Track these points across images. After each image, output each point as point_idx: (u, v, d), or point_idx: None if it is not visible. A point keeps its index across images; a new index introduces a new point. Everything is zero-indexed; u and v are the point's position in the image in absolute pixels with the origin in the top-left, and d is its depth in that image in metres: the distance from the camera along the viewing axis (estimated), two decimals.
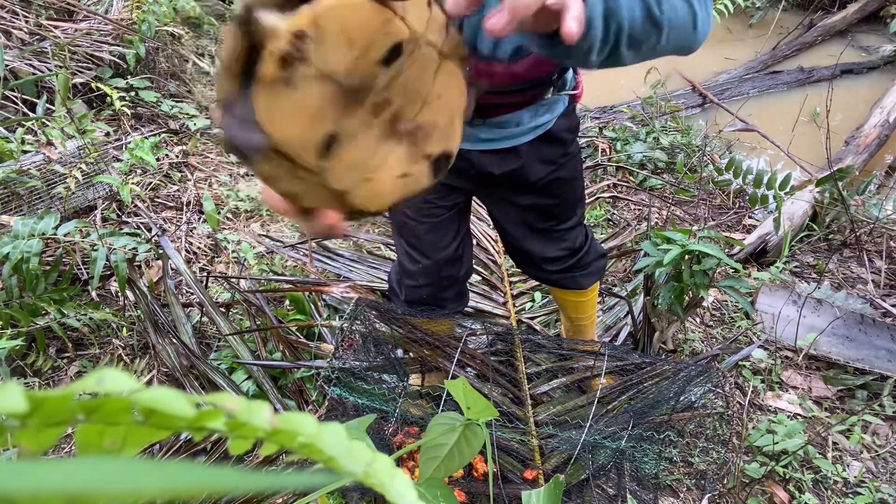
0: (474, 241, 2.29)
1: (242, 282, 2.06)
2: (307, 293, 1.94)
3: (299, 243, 2.30)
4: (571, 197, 1.34)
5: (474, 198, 1.49)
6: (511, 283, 2.21)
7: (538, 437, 1.53)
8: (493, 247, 2.35)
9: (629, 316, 1.94)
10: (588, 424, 1.45)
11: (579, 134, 1.30)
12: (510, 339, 1.77)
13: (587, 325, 1.76)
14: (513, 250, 1.45)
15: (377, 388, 1.50)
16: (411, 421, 1.48)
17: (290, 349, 1.77)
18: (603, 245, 2.39)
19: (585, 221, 1.57)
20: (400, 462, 1.43)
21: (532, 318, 2.05)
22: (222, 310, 1.89)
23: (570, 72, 1.19)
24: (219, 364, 1.75)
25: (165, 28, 3.14)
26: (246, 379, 1.71)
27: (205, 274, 2.17)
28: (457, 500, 0.82)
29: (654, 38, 0.74)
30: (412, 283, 1.44)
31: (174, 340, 1.74)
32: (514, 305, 2.11)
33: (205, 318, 1.92)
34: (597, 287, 1.63)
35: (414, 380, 1.64)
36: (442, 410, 1.46)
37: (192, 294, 2.06)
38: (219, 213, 2.45)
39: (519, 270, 2.26)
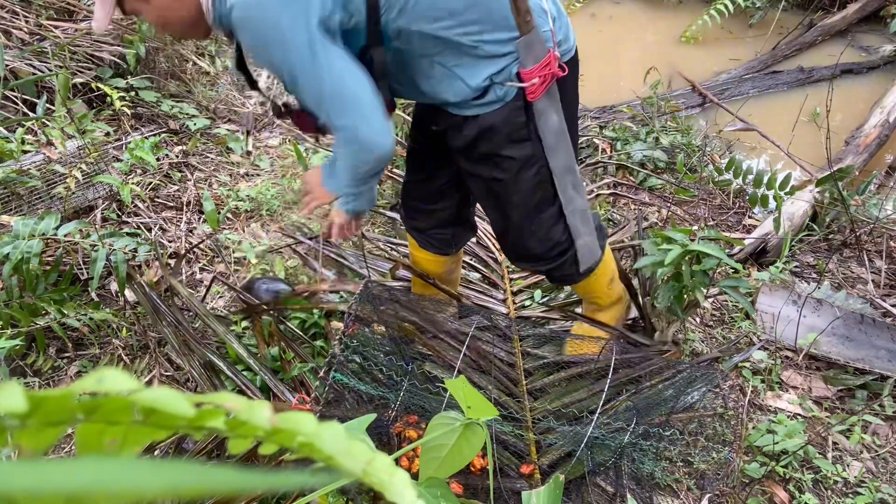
0: (474, 239, 2.29)
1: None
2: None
3: (298, 243, 2.30)
4: (507, 203, 1.44)
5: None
6: (511, 280, 2.21)
7: (535, 433, 1.53)
8: (493, 245, 2.35)
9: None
10: (595, 417, 1.46)
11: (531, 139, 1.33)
12: (509, 335, 1.77)
13: (597, 306, 1.77)
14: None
15: (385, 369, 1.51)
16: (412, 410, 1.48)
17: (289, 346, 1.77)
18: None
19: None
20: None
21: (532, 316, 2.05)
22: (222, 311, 1.89)
23: (507, 60, 1.23)
24: (224, 353, 1.75)
25: None
26: (244, 370, 1.71)
27: (208, 282, 2.16)
28: (457, 501, 0.82)
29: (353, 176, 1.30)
30: (401, 187, 1.73)
31: (174, 323, 1.74)
32: (514, 302, 2.11)
33: (201, 322, 1.92)
34: (598, 273, 1.64)
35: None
36: (445, 403, 1.46)
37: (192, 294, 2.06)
38: (219, 213, 2.45)
39: (518, 268, 2.26)
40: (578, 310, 2.04)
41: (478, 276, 2.22)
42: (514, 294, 2.15)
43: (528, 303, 2.12)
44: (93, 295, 2.00)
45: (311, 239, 2.26)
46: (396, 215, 2.54)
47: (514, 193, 1.39)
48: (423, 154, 1.58)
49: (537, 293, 2.14)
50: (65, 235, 1.77)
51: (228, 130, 3.01)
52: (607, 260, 1.65)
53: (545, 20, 1.24)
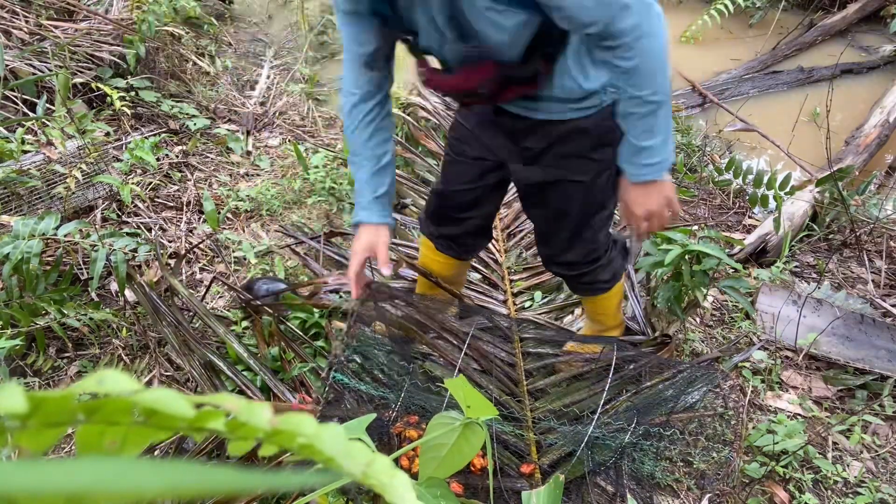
0: None
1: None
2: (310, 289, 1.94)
3: (298, 242, 2.30)
4: (578, 202, 1.41)
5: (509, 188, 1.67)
6: (511, 281, 2.21)
7: (536, 433, 1.54)
8: (493, 245, 2.36)
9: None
10: (596, 417, 1.46)
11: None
12: (510, 336, 1.77)
13: (604, 327, 1.78)
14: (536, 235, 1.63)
15: (385, 369, 1.52)
16: (412, 410, 1.48)
17: (289, 346, 1.77)
18: None
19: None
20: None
21: (532, 316, 2.05)
22: (222, 311, 1.89)
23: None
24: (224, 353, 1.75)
25: (165, 28, 3.14)
26: (244, 370, 1.71)
27: (208, 283, 2.16)
28: (457, 500, 0.82)
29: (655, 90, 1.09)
30: (430, 195, 1.69)
31: (174, 322, 1.74)
32: (514, 304, 2.11)
33: (201, 322, 1.92)
34: (614, 293, 1.67)
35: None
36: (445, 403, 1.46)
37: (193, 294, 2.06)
38: (219, 213, 2.45)
39: (519, 269, 2.26)
40: (577, 311, 2.04)
41: (478, 276, 2.22)
42: (515, 295, 2.15)
43: (528, 304, 2.12)
44: (93, 295, 2.00)
45: (311, 239, 2.26)
46: (397, 215, 2.54)
47: (585, 196, 1.40)
48: (468, 163, 1.53)
49: (538, 294, 2.14)
50: (65, 235, 1.77)
51: (228, 130, 3.01)
52: (623, 282, 1.70)
53: None
